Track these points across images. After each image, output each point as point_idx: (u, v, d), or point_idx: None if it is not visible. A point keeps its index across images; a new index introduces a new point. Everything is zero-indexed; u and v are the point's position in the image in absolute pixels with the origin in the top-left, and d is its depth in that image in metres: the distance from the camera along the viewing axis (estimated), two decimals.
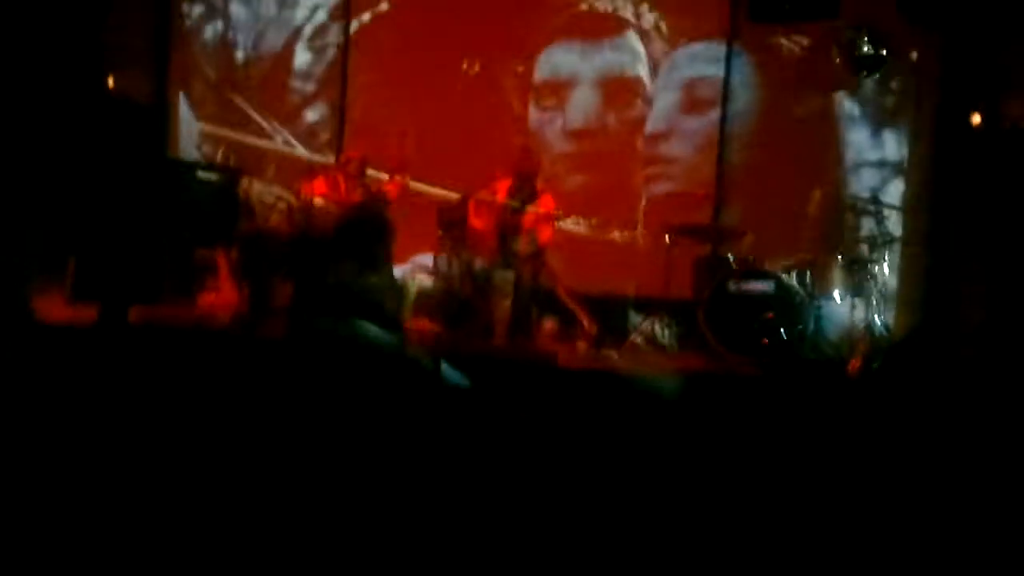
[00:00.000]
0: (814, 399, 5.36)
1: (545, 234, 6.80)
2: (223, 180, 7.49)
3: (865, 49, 7.29)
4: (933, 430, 4.49)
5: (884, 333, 6.31)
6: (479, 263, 6.77)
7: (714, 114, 8.03)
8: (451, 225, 7.33)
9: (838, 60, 7.47)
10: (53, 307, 6.28)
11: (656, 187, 7.92)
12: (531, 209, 6.75)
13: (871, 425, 4.69)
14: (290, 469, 3.37)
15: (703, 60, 8.09)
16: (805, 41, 7.83)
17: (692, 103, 8.11)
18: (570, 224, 7.94)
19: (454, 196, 7.44)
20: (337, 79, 8.48)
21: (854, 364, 6.01)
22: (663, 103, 8.17)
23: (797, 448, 4.22)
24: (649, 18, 8.17)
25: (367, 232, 3.33)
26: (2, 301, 5.24)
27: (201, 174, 7.50)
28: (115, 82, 8.25)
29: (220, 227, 7.12)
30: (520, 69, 8.39)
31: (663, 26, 8.14)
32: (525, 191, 6.87)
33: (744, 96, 7.98)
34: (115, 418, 3.75)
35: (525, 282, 6.68)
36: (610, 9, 8.22)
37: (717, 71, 8.04)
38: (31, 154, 7.10)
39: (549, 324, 7.26)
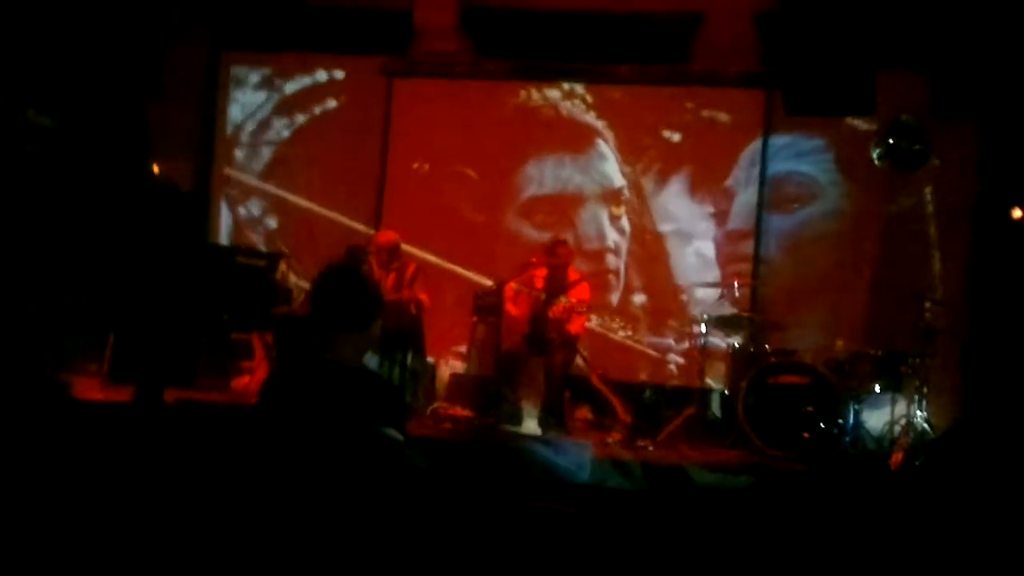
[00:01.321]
0: (856, 495, 5.22)
1: (578, 323, 6.77)
2: (261, 264, 7.58)
3: (903, 144, 7.30)
4: (978, 527, 4.35)
5: (926, 428, 6.17)
6: (505, 352, 6.74)
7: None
8: (486, 311, 7.36)
9: (875, 155, 7.48)
10: (89, 388, 6.31)
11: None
12: (564, 300, 6.72)
13: (915, 522, 4.55)
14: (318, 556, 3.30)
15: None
16: (841, 136, 7.87)
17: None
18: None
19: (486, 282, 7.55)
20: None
21: (896, 459, 5.87)
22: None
23: (840, 545, 4.10)
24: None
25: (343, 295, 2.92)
26: (37, 377, 5.28)
27: (240, 258, 7.59)
28: (159, 168, 8.46)
29: (257, 310, 7.18)
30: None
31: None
32: (558, 280, 6.87)
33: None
34: (144, 498, 3.72)
35: (557, 370, 6.63)
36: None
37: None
38: (76, 236, 7.25)
39: (583, 413, 7.20)
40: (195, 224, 8.47)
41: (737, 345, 7.10)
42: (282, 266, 7.58)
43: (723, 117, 8.08)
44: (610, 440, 6.47)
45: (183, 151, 8.74)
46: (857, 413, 6.37)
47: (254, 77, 8.89)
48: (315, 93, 8.77)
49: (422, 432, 6.00)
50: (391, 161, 8.53)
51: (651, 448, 6.29)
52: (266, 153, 8.80)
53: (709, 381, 7.24)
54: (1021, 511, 4.47)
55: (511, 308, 6.89)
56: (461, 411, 6.65)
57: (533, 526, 3.80)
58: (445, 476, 4.55)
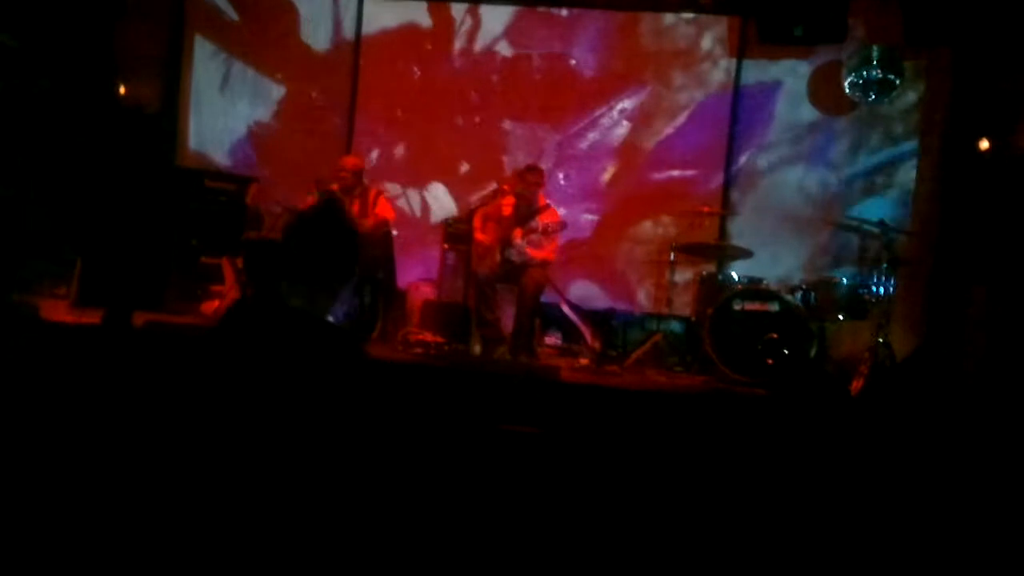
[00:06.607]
0: (818, 419, 5.34)
1: (548, 249, 6.77)
2: (231, 188, 7.52)
3: (874, 73, 7.29)
4: (935, 451, 4.47)
5: (887, 354, 6.28)
6: (482, 276, 6.77)
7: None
8: (456, 239, 7.38)
9: (846, 84, 7.47)
10: (58, 311, 6.29)
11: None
12: (533, 224, 6.71)
13: (874, 445, 4.67)
14: (285, 471, 3.36)
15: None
16: (813, 63, 7.84)
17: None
18: None
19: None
20: None
21: (857, 385, 5.99)
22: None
23: (801, 469, 4.20)
24: None
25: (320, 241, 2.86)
26: (7, 298, 5.26)
27: (209, 182, 7.53)
28: (125, 90, 8.31)
29: (226, 235, 7.14)
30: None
31: None
32: (527, 206, 6.87)
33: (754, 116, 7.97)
34: (113, 420, 3.75)
35: (527, 296, 6.67)
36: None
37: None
38: (42, 158, 7.15)
39: (552, 339, 7.28)
40: (163, 147, 8.36)
41: (705, 273, 7.18)
42: (252, 190, 7.52)
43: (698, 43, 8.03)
44: (579, 365, 6.56)
45: (150, 72, 8.56)
46: (821, 340, 6.48)
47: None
48: (283, 13, 8.58)
49: (393, 356, 6.06)
50: (361, 84, 8.43)
51: (619, 373, 6.39)
52: (234, 76, 8.64)
53: (676, 308, 7.32)
54: (974, 437, 4.60)
55: (480, 236, 6.89)
56: (431, 336, 6.69)
57: (498, 447, 3.87)
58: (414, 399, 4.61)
